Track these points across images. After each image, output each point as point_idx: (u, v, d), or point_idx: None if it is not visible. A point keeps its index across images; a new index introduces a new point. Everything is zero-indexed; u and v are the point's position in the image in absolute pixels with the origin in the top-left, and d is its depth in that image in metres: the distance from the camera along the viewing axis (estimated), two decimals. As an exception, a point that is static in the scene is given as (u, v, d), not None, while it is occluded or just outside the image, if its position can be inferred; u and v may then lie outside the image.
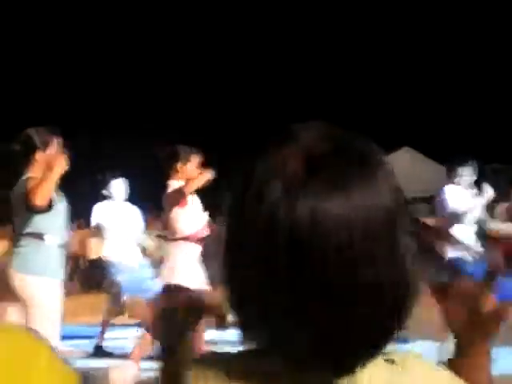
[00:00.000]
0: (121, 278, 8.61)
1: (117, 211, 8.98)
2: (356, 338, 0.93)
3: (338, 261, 0.91)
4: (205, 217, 6.96)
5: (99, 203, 9.07)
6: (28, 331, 1.01)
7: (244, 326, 1.00)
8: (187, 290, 6.40)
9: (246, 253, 0.96)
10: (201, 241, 6.68)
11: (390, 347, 0.98)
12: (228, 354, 1.06)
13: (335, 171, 0.94)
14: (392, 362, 0.99)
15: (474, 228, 7.91)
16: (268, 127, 1.08)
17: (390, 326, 0.96)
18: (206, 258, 6.64)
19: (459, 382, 1.03)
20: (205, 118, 29.43)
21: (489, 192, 8.04)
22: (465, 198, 7.81)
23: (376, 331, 0.95)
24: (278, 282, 0.92)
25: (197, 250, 6.63)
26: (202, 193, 6.81)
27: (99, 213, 8.99)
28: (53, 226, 5.40)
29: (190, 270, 6.44)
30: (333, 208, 0.91)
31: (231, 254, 1.00)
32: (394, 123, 27.91)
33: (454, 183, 7.89)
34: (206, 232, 6.81)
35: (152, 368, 6.97)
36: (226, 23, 33.55)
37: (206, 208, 6.90)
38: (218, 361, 1.04)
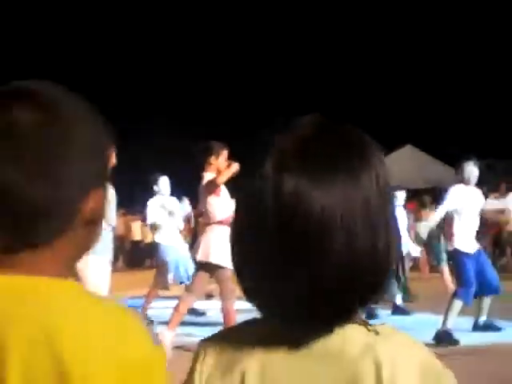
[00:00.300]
0: (168, 258, 8.96)
1: (166, 204, 9.36)
2: (330, 297, 0.93)
3: (316, 236, 0.91)
4: (233, 203, 7.05)
5: (152, 198, 9.39)
6: (122, 305, 1.02)
7: (243, 287, 1.01)
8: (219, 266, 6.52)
9: (244, 225, 0.99)
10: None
11: (385, 320, 0.98)
12: (239, 323, 1.09)
13: (323, 156, 0.94)
14: (375, 331, 0.97)
15: (477, 222, 7.76)
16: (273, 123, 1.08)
17: (364, 291, 0.95)
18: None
19: (433, 357, 0.99)
20: (223, 116, 29.14)
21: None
22: (471, 195, 7.66)
23: (348, 294, 0.94)
24: (267, 249, 0.93)
25: (228, 232, 6.71)
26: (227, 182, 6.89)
27: (154, 206, 9.34)
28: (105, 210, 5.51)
29: (222, 250, 6.53)
30: (315, 191, 0.91)
31: (235, 226, 1.03)
32: (399, 124, 27.73)
33: (462, 180, 7.69)
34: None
35: (185, 334, 7.11)
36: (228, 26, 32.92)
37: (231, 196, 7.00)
38: (229, 332, 1.07)
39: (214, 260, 6.53)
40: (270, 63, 32.28)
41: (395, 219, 0.99)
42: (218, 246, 6.58)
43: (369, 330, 0.97)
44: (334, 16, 33.84)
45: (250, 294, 1.00)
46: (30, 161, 0.96)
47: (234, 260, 1.02)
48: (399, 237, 1.00)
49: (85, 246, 1.07)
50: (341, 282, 0.92)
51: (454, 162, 8.28)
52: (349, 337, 0.96)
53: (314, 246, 0.91)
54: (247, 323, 1.05)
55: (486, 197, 9.08)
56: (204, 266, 6.66)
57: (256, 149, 1.01)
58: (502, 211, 16.39)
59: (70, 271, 1.04)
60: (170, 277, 9.30)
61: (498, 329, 7.89)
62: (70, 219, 1.01)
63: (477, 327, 7.94)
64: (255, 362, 0.97)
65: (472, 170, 7.66)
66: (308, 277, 0.92)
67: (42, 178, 0.96)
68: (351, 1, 33.80)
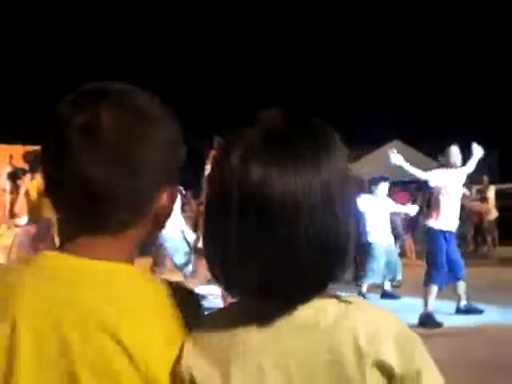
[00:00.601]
0: (167, 244, 8.91)
1: None
2: (291, 276, 0.93)
3: (279, 221, 0.91)
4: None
5: None
6: (176, 288, 1.04)
7: (213, 272, 1.00)
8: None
9: (213, 215, 0.98)
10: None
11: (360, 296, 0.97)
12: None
13: (287, 147, 0.93)
14: (346, 301, 0.97)
15: (458, 202, 7.77)
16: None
17: (324, 269, 0.95)
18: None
19: (407, 328, 0.99)
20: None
21: (476, 150, 7.72)
22: (455, 176, 7.65)
23: (309, 272, 0.94)
24: (234, 235, 0.93)
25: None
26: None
27: None
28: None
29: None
30: (279, 179, 0.91)
31: (205, 215, 1.00)
32: (387, 120, 27.68)
33: (447, 164, 7.68)
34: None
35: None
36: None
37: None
38: (209, 316, 1.05)
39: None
40: (271, 61, 32.09)
41: (355, 205, 1.01)
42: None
43: (340, 301, 0.97)
44: (324, 10, 33.47)
45: (218, 278, 1.00)
46: (109, 156, 0.97)
47: (205, 247, 1.01)
48: (358, 222, 1.00)
49: (146, 236, 1.07)
50: (302, 261, 0.93)
51: (438, 154, 8.26)
52: (320, 309, 0.96)
53: (278, 230, 0.91)
54: (226, 306, 1.06)
55: (470, 189, 9.06)
56: (206, 253, 6.69)
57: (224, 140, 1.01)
58: (483, 201, 16.42)
59: (131, 257, 1.05)
60: (169, 262, 9.21)
61: (479, 311, 7.91)
62: (143, 212, 1.02)
63: (459, 311, 7.96)
64: (237, 339, 0.96)
65: (456, 152, 7.68)
66: (271, 258, 0.92)
67: (120, 172, 0.98)
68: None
